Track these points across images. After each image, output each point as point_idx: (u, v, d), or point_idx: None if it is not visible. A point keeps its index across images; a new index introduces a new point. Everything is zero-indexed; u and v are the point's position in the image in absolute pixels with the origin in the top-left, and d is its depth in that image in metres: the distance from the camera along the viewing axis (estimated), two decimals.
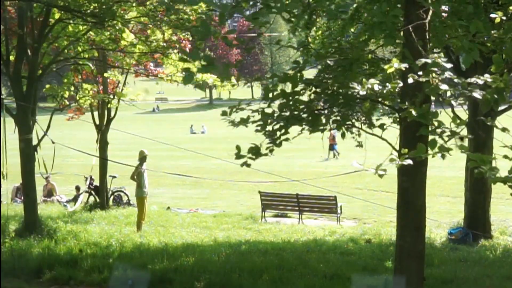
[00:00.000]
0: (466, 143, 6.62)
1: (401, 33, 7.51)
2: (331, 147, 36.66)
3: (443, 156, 6.00)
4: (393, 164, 6.19)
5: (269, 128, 7.34)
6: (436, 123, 6.57)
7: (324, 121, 7.84)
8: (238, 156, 6.87)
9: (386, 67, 6.63)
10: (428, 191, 8.46)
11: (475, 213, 14.53)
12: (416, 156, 6.00)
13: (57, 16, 14.77)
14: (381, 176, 6.01)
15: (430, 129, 6.72)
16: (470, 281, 10.96)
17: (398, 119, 8.06)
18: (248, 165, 7.04)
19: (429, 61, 6.51)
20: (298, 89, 7.37)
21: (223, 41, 6.17)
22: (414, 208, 7.97)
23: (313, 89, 7.83)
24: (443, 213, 18.40)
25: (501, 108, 13.69)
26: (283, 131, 7.37)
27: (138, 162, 16.19)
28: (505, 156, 6.05)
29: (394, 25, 6.34)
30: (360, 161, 6.85)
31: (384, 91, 6.97)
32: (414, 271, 8.03)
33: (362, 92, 6.78)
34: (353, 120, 8.34)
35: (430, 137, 6.74)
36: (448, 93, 6.96)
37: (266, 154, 7.21)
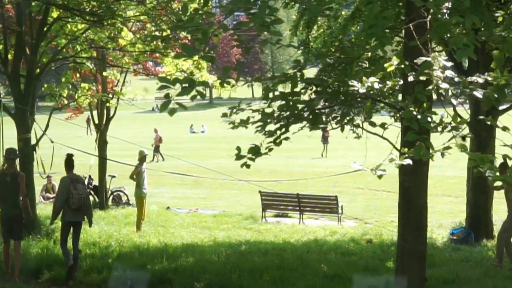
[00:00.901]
0: (467, 142, 6.58)
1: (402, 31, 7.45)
2: (156, 149, 35.39)
3: (442, 155, 5.93)
4: (392, 164, 6.13)
5: (269, 128, 7.29)
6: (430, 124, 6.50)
7: (324, 119, 7.80)
8: (239, 156, 6.80)
9: (386, 65, 6.57)
10: (430, 190, 8.41)
11: (477, 213, 14.45)
12: (416, 156, 5.93)
13: (55, 14, 14.68)
14: (380, 177, 5.96)
15: (432, 126, 6.65)
16: (472, 281, 10.92)
17: (399, 118, 8.03)
18: (248, 166, 6.97)
19: (429, 59, 6.45)
20: (298, 88, 7.32)
21: (204, 59, 6.01)
22: (415, 208, 7.96)
23: (314, 88, 7.79)
24: (445, 213, 18.32)
25: (503, 107, 13.62)
26: (283, 130, 7.32)
27: (138, 162, 16.11)
28: (507, 156, 6.00)
29: (384, 28, 6.26)
30: (360, 161, 6.80)
31: (384, 89, 6.91)
32: (416, 271, 8.04)
33: (362, 90, 6.73)
34: (354, 117, 8.30)
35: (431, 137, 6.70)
36: (450, 93, 6.90)
37: (266, 153, 7.15)
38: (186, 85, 5.28)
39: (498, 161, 6.63)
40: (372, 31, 6.02)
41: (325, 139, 35.13)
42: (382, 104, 9.13)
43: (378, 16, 6.00)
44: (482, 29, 7.11)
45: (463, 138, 7.02)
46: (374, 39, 6.13)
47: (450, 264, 12.03)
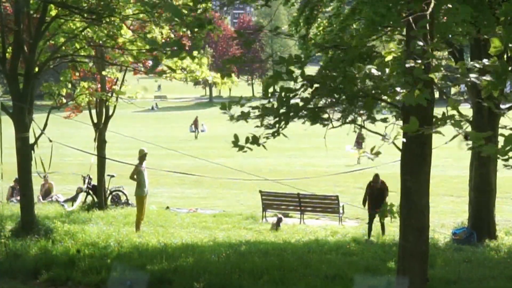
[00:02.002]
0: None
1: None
2: None
3: (438, 132, 5.81)
4: (388, 144, 6.00)
5: (268, 121, 7.21)
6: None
7: (326, 117, 7.74)
8: (236, 144, 6.68)
9: (384, 52, 6.47)
10: (432, 190, 8.37)
11: (480, 213, 14.34)
12: (408, 130, 5.78)
13: (54, 12, 14.52)
14: (377, 154, 5.82)
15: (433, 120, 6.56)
16: (474, 282, 10.87)
17: (400, 116, 7.96)
18: (246, 151, 6.84)
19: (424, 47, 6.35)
20: (299, 85, 7.25)
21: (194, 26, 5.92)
22: (417, 208, 7.89)
23: (314, 85, 7.72)
24: (447, 213, 18.22)
25: (505, 106, 13.50)
26: (282, 123, 7.24)
27: (138, 161, 15.91)
28: (502, 135, 5.93)
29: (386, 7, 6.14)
30: (362, 160, 6.71)
31: (384, 76, 6.80)
32: (417, 271, 8.03)
33: (360, 75, 6.61)
34: (355, 115, 8.23)
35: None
36: (453, 91, 6.82)
37: (263, 144, 7.05)
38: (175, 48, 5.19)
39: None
40: (374, 10, 5.89)
41: (358, 144, 34.67)
42: (383, 104, 9.05)
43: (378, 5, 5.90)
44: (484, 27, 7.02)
45: (466, 137, 6.94)
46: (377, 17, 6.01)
47: (452, 264, 11.96)
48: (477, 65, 6.22)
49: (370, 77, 6.64)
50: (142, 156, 15.84)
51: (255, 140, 6.81)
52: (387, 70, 6.59)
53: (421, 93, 6.15)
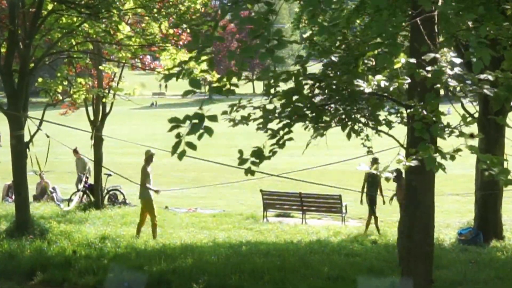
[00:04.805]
0: (476, 142, 6.35)
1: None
2: None
3: (452, 158, 5.68)
4: (400, 166, 5.93)
5: (271, 126, 7.06)
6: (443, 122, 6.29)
7: (328, 118, 7.63)
8: (241, 161, 6.44)
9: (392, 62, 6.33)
10: (437, 189, 8.29)
11: (486, 213, 14.15)
12: (428, 166, 5.64)
13: (50, 7, 14.31)
14: (387, 180, 5.73)
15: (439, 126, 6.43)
16: (480, 283, 10.72)
17: (405, 119, 7.84)
18: (252, 173, 6.59)
19: (438, 56, 6.21)
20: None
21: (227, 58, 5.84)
22: (422, 208, 7.82)
23: (317, 83, 7.59)
24: (453, 212, 18.08)
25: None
26: (286, 129, 7.06)
27: (144, 163, 14.99)
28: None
29: (395, 35, 6.02)
30: (365, 159, 6.53)
31: (391, 89, 6.68)
32: (422, 273, 7.85)
33: (368, 90, 6.50)
34: (358, 116, 8.09)
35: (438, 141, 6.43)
36: (458, 89, 6.68)
37: (269, 157, 6.88)
38: (196, 121, 5.08)
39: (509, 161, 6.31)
40: (381, 40, 5.74)
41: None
42: (388, 106, 8.88)
43: (386, 24, 5.73)
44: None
45: (471, 136, 6.77)
46: (386, 44, 5.87)
47: (457, 265, 11.81)
48: (490, 77, 6.08)
49: (378, 88, 6.48)
50: (149, 157, 14.88)
51: (260, 154, 6.60)
52: (396, 83, 6.45)
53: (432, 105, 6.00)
